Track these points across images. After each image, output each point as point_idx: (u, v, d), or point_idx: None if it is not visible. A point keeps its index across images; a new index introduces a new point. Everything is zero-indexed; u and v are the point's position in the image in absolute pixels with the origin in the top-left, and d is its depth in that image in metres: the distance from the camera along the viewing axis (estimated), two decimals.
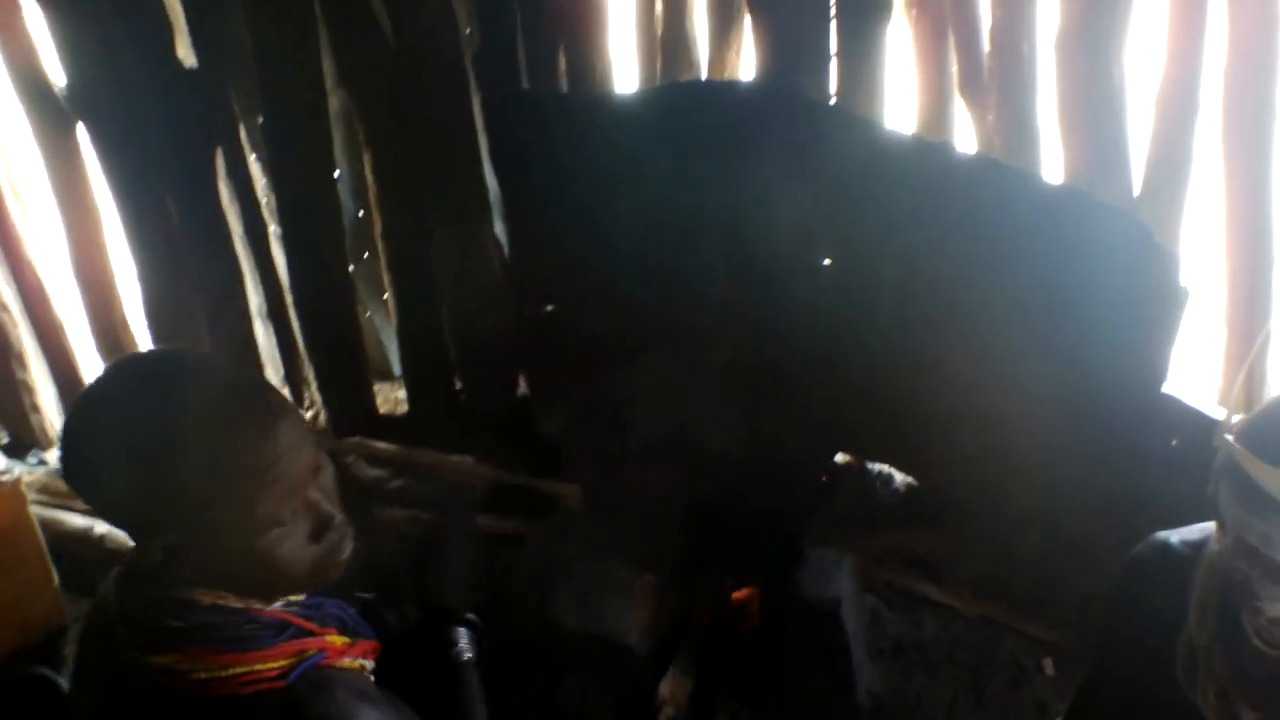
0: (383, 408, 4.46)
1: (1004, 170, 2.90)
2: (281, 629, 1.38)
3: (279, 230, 4.06)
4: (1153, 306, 2.72)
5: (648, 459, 2.64)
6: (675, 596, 3.02)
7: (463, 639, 1.79)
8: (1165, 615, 1.66)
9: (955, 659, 2.96)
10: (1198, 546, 1.68)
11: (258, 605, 1.39)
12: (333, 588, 1.51)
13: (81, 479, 1.31)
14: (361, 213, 4.25)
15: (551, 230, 3.60)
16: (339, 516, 1.40)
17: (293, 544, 1.34)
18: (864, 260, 3.06)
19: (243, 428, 1.28)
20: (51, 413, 4.51)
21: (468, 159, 3.76)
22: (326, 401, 4.31)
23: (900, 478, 3.57)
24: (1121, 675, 1.74)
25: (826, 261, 3.17)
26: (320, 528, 1.37)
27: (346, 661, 1.46)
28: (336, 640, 1.46)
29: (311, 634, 1.42)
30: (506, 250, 3.94)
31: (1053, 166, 3.22)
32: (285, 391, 4.46)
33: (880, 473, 3.60)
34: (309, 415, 4.42)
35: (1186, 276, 2.71)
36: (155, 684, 1.33)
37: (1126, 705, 1.73)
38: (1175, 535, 1.76)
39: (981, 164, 2.96)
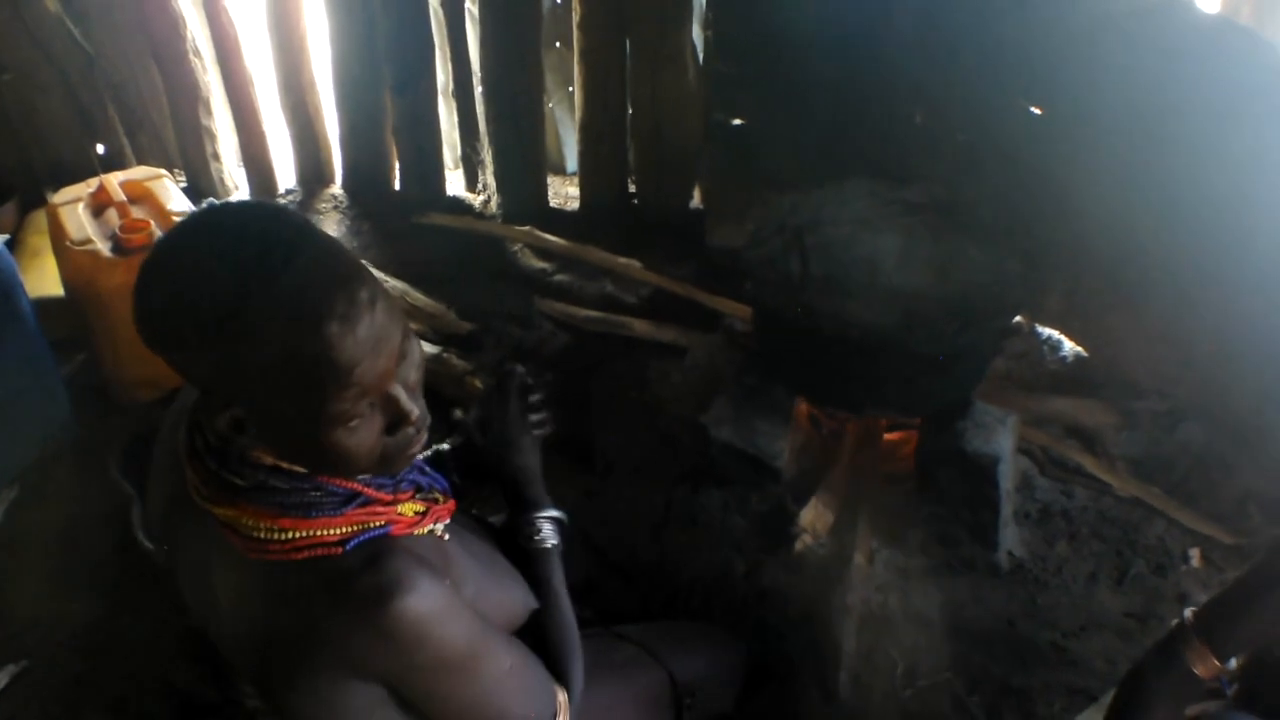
0: (552, 201, 4.48)
1: (1248, 37, 2.71)
2: (349, 498, 1.33)
3: (475, 8, 4.02)
4: None
5: (826, 288, 2.58)
6: (830, 427, 3.01)
7: (545, 528, 1.74)
8: None
9: (1101, 534, 2.90)
10: None
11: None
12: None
13: (149, 334, 1.20)
14: (560, 0, 4.19)
15: (754, 42, 3.50)
16: (417, 412, 1.30)
17: (363, 437, 1.26)
18: (1081, 115, 2.93)
19: (326, 325, 1.16)
20: (231, 163, 4.61)
21: None
22: (500, 187, 4.33)
23: (1070, 346, 3.48)
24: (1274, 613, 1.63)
25: (1037, 110, 3.05)
26: (396, 422, 1.29)
27: (418, 531, 1.41)
28: (408, 510, 1.41)
29: (380, 503, 1.36)
30: (702, 57, 3.87)
31: None
32: (460, 173, 4.51)
33: (1049, 338, 3.51)
34: (481, 199, 4.46)
35: None
36: (216, 532, 1.32)
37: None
38: None
39: (1225, 28, 2.77)
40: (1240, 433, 3.06)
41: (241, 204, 1.52)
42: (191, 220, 1.24)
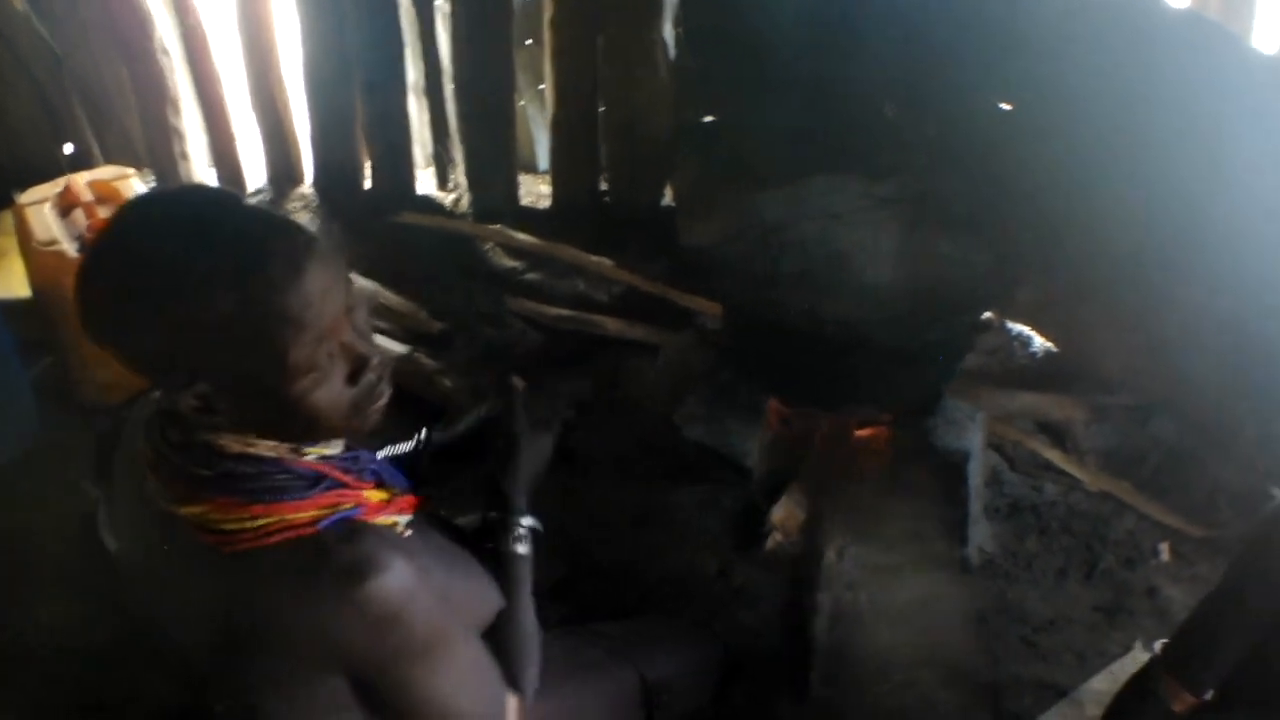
0: (524, 200, 4.46)
1: (1217, 33, 2.73)
2: (315, 481, 1.34)
3: (447, 5, 4.01)
4: None
5: (798, 284, 2.58)
6: (802, 425, 3.01)
7: (523, 534, 1.72)
8: None
9: (1071, 529, 2.92)
10: None
11: (290, 455, 1.34)
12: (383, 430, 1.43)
13: (102, 329, 1.22)
14: None
15: (725, 38, 3.49)
16: (376, 357, 1.33)
17: (329, 388, 1.28)
18: (1051, 111, 2.93)
19: (270, 270, 1.19)
20: (200, 162, 4.58)
21: None
22: (471, 186, 4.32)
23: (1040, 341, 3.49)
24: (1247, 622, 1.64)
25: (1006, 106, 3.05)
26: (357, 369, 1.31)
27: (383, 518, 1.40)
28: (373, 495, 1.41)
29: (347, 487, 1.37)
30: (673, 54, 3.86)
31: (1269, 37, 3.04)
32: (431, 172, 4.49)
33: (1020, 333, 3.53)
34: (452, 198, 4.44)
35: None
36: (186, 535, 1.30)
37: (1250, 656, 1.64)
38: None
39: (1194, 24, 2.78)
40: (1210, 427, 3.08)
41: (168, 189, 1.53)
42: (123, 212, 1.26)
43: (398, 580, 1.27)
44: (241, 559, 1.28)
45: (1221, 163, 2.67)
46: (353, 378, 1.31)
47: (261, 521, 1.28)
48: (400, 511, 1.46)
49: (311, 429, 1.32)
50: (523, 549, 1.73)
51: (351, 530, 1.30)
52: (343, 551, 1.26)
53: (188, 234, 1.18)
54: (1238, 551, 1.68)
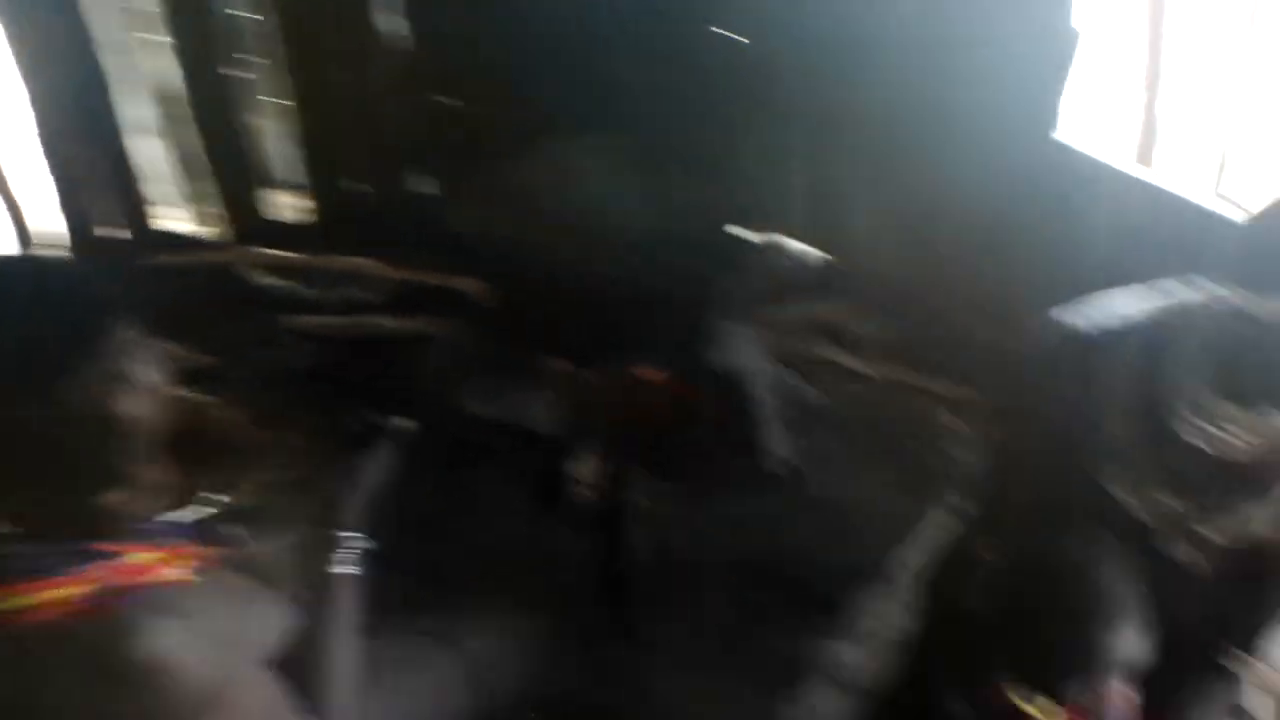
0: (280, 215, 4.36)
1: None
2: (82, 555, 1.30)
3: (167, 38, 3.88)
4: (1044, 49, 2.72)
5: (553, 245, 2.61)
6: (585, 380, 3.04)
7: (349, 553, 1.66)
8: (1077, 403, 1.59)
9: (863, 420, 3.02)
10: (1109, 333, 1.59)
11: None
12: None
13: None
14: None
15: (450, 21, 3.48)
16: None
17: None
18: (769, 35, 3.01)
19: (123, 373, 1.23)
20: None
21: None
22: (225, 212, 4.20)
23: (804, 249, 3.58)
24: (1033, 457, 1.70)
25: (742, 40, 3.12)
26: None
27: (157, 577, 1.37)
28: (144, 558, 1.37)
29: (116, 555, 1.33)
30: (408, 44, 3.81)
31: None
32: (177, 208, 4.37)
33: (784, 246, 3.61)
34: (206, 230, 4.33)
35: (1079, 18, 2.70)
36: None
37: (1040, 486, 1.70)
38: (1081, 317, 1.63)
39: None
40: (974, 297, 3.21)
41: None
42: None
43: (167, 642, 1.25)
44: (7, 643, 1.23)
45: (912, 35, 2.79)
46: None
47: (27, 602, 1.23)
48: (178, 566, 1.41)
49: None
50: (346, 568, 1.71)
51: (119, 598, 1.27)
52: (111, 623, 1.23)
53: (64, 320, 1.21)
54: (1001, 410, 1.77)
